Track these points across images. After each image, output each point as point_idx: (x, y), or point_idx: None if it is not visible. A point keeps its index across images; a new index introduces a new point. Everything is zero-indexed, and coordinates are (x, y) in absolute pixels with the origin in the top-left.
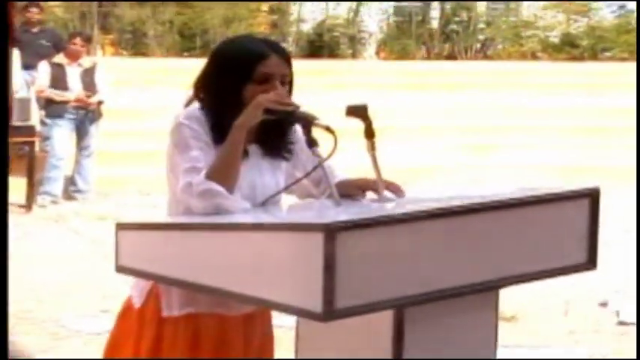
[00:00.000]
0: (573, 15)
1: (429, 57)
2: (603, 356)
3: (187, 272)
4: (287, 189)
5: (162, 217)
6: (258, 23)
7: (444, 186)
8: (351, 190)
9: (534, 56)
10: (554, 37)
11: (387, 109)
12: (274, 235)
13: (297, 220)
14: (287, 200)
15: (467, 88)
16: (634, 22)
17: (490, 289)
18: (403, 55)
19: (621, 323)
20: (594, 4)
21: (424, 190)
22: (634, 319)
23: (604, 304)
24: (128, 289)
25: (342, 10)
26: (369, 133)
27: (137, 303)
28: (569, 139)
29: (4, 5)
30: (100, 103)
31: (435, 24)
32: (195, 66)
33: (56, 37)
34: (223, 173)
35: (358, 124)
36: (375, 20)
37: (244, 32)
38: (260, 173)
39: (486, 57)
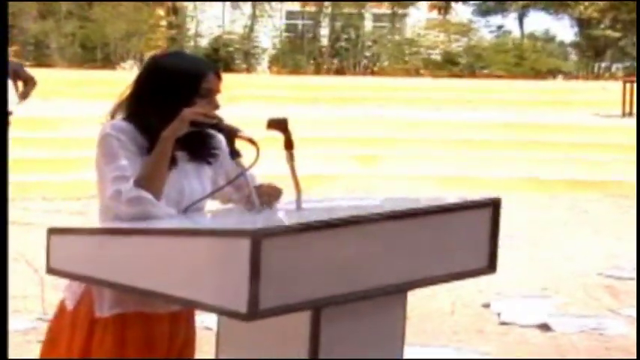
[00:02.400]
0: (454, 34)
1: (319, 72)
2: (486, 355)
3: (118, 274)
4: (211, 195)
5: (72, 221)
6: (157, 38)
7: (347, 194)
8: (260, 196)
9: (417, 73)
10: (436, 55)
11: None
12: (203, 241)
13: (223, 227)
14: (210, 205)
15: (355, 102)
16: (510, 42)
17: (400, 291)
18: (295, 69)
19: (502, 323)
20: (473, 24)
21: (330, 198)
22: (515, 320)
23: (486, 306)
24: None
25: (238, 27)
26: (289, 145)
27: (70, 305)
28: (451, 151)
29: (4, 5)
30: (9, 113)
31: (325, 41)
32: (96, 77)
33: None
34: (151, 181)
35: (271, 135)
36: (268, 36)
37: (144, 47)
38: (187, 179)
39: (373, 73)
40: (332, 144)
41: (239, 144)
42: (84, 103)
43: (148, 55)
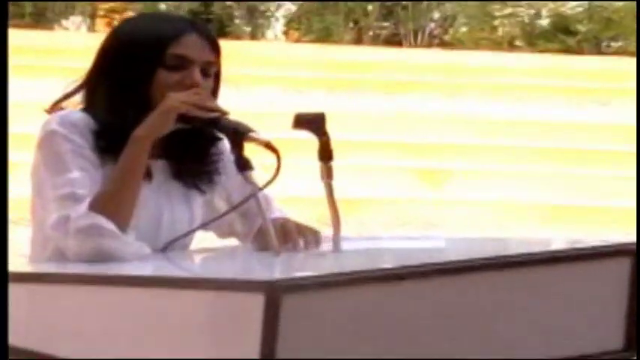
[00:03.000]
0: None
1: (360, 41)
2: None
3: (52, 342)
4: (205, 226)
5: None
6: None
7: (400, 228)
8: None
9: (512, 45)
10: (543, 20)
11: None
12: (195, 295)
13: (226, 275)
14: (200, 240)
15: (416, 90)
16: None
17: None
18: (324, 37)
19: None
20: None
21: (378, 237)
22: None
23: None
24: None
25: None
26: (326, 154)
27: None
28: (562, 167)
29: (4, 5)
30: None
31: None
32: (25, 42)
33: None
34: (115, 203)
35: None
36: None
37: None
38: (169, 202)
39: (444, 44)
40: (378, 152)
41: (249, 150)
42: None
43: (103, 9)
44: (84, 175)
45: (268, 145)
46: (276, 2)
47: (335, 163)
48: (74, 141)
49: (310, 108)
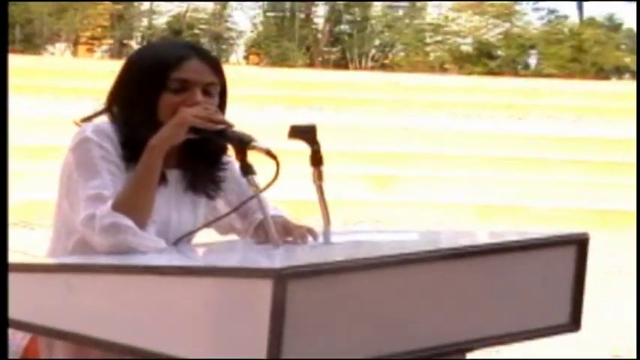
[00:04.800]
0: (492, 18)
1: (313, 64)
2: None
3: (83, 324)
4: (209, 225)
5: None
6: (98, 14)
7: (351, 226)
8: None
9: (443, 68)
10: (467, 46)
11: (258, 128)
12: (208, 282)
13: (236, 264)
14: (202, 235)
15: (361, 106)
16: (566, 30)
17: (457, 351)
18: (281, 60)
19: None
20: (518, 6)
21: (358, 230)
22: None
23: None
24: None
25: (207, 2)
26: (316, 160)
27: None
28: (489, 172)
29: (4, 5)
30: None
31: (321, 23)
32: (14, 65)
33: None
34: (133, 204)
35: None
36: (246, 15)
37: (79, 25)
38: (177, 207)
39: (384, 67)
40: (329, 160)
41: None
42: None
43: (84, 36)
44: (111, 179)
45: (269, 152)
46: (237, 30)
47: (292, 171)
48: (105, 148)
49: (271, 122)
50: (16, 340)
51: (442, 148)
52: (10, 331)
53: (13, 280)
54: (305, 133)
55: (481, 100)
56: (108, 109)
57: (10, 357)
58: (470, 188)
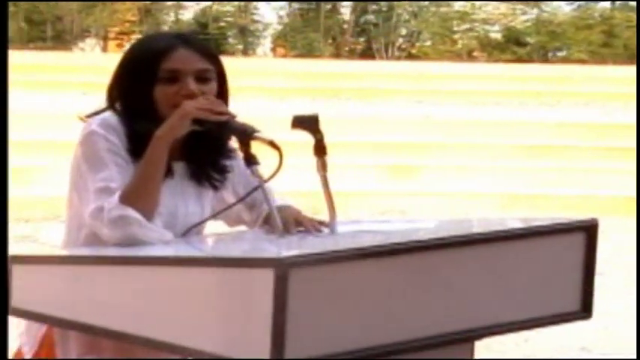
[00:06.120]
0: (520, 6)
1: (339, 55)
2: None
3: (93, 314)
4: (216, 216)
5: (19, 249)
6: (126, 9)
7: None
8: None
9: (471, 56)
10: (496, 33)
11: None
12: (211, 272)
13: (236, 255)
14: (212, 227)
15: (387, 96)
16: (597, 14)
17: (465, 340)
18: (307, 52)
19: None
20: None
21: (370, 221)
22: None
23: None
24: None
25: None
26: (320, 150)
27: (28, 353)
28: (516, 160)
29: (4, 5)
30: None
31: (347, 14)
32: (44, 61)
33: None
34: (140, 196)
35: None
36: (272, 7)
37: (108, 21)
38: (184, 198)
39: (411, 56)
40: (356, 151)
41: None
42: (29, 95)
43: (113, 32)
44: (118, 171)
45: (272, 143)
46: (263, 23)
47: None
48: (111, 141)
49: (290, 113)
50: (33, 330)
51: (470, 137)
52: (27, 322)
53: (26, 272)
54: (307, 123)
55: (510, 88)
56: (110, 104)
57: (26, 347)
58: (496, 177)
